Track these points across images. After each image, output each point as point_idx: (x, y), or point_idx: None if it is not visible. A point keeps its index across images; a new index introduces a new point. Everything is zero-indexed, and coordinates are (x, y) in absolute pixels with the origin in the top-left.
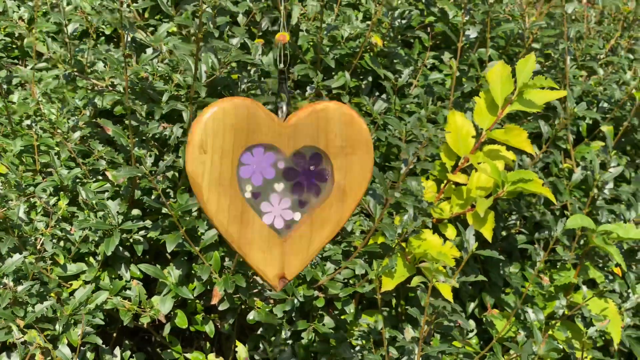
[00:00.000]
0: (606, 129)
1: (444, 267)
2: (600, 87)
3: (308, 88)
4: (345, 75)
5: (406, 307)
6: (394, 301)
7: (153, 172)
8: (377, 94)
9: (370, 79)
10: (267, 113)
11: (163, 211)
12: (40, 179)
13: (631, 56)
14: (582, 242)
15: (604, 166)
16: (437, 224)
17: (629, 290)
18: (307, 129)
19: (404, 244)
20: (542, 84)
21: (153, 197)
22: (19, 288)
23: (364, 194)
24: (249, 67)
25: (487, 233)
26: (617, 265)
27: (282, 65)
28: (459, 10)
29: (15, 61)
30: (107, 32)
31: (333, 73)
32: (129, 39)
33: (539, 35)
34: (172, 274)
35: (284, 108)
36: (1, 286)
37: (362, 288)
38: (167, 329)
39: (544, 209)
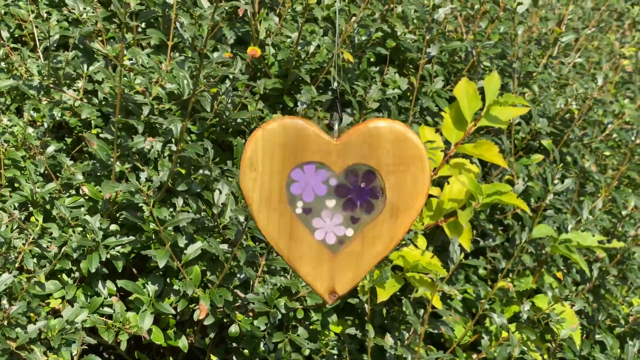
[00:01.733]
0: (547, 143)
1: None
2: (534, 105)
3: (299, 103)
4: (312, 90)
5: (372, 315)
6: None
7: (147, 187)
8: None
9: (329, 93)
10: (318, 131)
11: (139, 226)
12: (7, 194)
13: (554, 74)
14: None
15: (544, 179)
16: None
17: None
18: (358, 147)
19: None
20: (513, 101)
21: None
22: (12, 309)
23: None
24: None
25: (466, 243)
26: (559, 270)
27: (336, 84)
28: (405, 27)
29: None
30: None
31: (301, 87)
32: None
33: (483, 53)
34: (148, 289)
35: (336, 126)
36: None
37: (353, 299)
38: (123, 344)
39: (487, 218)
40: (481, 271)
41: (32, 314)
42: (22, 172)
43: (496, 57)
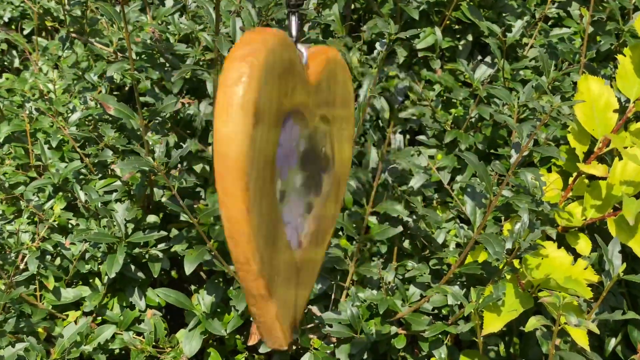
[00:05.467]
0: None
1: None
2: None
3: (378, 45)
4: (435, 32)
5: (519, 348)
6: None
7: (165, 163)
8: (479, 57)
9: (469, 37)
10: (300, 62)
11: (182, 218)
12: (34, 174)
13: None
14: None
15: None
16: (564, 233)
17: None
18: (324, 89)
19: (516, 263)
20: None
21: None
22: None
23: None
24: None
25: (638, 247)
26: None
27: None
28: None
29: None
30: None
31: (419, 30)
32: None
33: None
34: (202, 301)
35: (304, 52)
36: None
37: (454, 328)
38: None
39: None
40: None
41: (40, 330)
42: (43, 147)
43: None
